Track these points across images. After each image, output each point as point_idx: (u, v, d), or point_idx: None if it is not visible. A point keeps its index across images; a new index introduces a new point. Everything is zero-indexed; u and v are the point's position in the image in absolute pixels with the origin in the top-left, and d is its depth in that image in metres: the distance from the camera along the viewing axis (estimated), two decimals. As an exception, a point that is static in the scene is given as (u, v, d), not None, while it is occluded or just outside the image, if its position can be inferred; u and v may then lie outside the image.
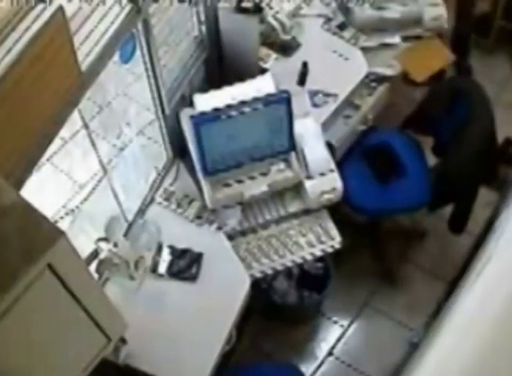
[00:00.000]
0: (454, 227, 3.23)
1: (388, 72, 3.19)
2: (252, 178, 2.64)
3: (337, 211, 2.80)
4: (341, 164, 2.90)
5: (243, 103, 2.48)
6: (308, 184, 2.67)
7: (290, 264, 2.68)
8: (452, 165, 3.04)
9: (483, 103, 3.02)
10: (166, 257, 2.56)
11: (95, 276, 2.34)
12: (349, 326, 3.34)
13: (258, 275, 2.62)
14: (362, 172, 3.15)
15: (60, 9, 1.62)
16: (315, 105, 2.98)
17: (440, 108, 3.14)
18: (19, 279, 1.26)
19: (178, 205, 2.69)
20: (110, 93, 2.73)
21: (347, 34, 3.25)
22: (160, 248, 2.58)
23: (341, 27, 3.27)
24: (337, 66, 3.12)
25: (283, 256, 2.66)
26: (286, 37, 3.12)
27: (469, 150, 2.98)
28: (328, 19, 3.31)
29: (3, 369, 1.37)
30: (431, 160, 3.31)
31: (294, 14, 3.24)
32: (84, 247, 2.30)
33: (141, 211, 2.67)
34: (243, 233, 2.70)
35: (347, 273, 3.32)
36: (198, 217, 2.67)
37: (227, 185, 2.62)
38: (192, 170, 2.68)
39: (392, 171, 3.18)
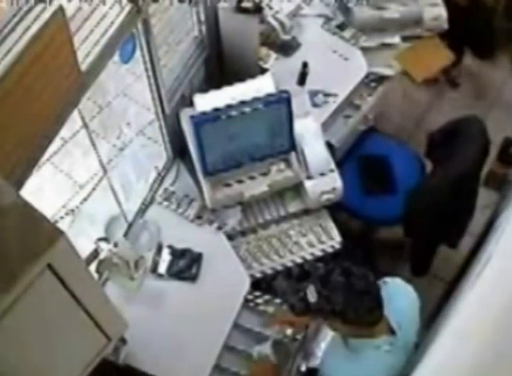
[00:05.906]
0: (414, 267, 3.16)
1: (388, 72, 3.20)
2: (252, 178, 2.64)
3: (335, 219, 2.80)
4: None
5: (243, 103, 2.48)
6: (308, 184, 2.66)
7: (290, 264, 2.68)
8: (415, 193, 2.98)
9: (472, 152, 2.87)
10: (166, 257, 2.56)
11: (95, 276, 2.34)
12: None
13: (258, 275, 2.62)
14: (350, 174, 3.13)
15: (60, 9, 1.61)
16: (315, 105, 2.98)
17: (439, 135, 3.09)
18: (19, 279, 1.26)
19: (178, 205, 2.69)
20: (110, 93, 2.74)
21: (347, 34, 3.25)
22: (160, 248, 2.58)
23: (341, 27, 3.27)
24: (337, 66, 3.12)
25: (283, 256, 2.66)
26: (286, 37, 3.11)
27: (433, 184, 2.91)
28: (328, 19, 3.31)
29: (3, 369, 1.37)
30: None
31: (294, 14, 3.24)
32: (84, 247, 2.30)
33: (141, 211, 2.67)
34: (243, 233, 2.70)
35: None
36: (198, 217, 2.67)
37: (227, 185, 2.62)
38: (192, 170, 2.68)
39: (379, 185, 3.19)
